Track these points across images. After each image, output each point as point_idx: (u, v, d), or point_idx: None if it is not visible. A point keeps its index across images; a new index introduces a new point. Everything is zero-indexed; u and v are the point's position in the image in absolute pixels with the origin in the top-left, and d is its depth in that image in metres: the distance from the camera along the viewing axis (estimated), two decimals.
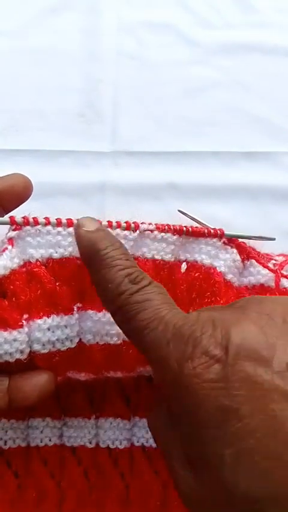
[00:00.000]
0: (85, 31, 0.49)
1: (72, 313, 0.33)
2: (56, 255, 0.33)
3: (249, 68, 0.50)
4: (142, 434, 0.40)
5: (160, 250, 0.33)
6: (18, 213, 0.45)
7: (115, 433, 0.40)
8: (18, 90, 0.48)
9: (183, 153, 0.48)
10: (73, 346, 0.33)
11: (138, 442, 0.40)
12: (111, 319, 0.29)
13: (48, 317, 0.32)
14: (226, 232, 0.35)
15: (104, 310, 0.33)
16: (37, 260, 0.32)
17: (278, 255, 0.42)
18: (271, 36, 0.50)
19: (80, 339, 0.33)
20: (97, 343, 0.33)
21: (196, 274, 0.35)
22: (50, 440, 0.39)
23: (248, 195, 0.47)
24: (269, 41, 0.50)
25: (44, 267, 0.33)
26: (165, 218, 0.46)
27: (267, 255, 0.38)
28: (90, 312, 0.33)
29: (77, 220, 0.31)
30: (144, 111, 0.48)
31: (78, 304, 0.33)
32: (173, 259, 0.34)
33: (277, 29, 0.50)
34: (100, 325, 0.33)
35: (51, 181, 0.46)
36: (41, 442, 0.39)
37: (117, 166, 0.47)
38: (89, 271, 0.30)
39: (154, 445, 0.40)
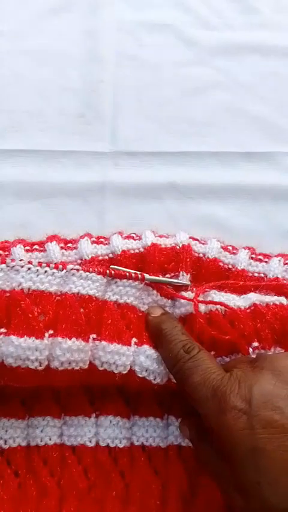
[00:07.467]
0: (85, 32, 0.50)
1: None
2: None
3: (248, 69, 0.50)
4: (142, 434, 0.40)
5: (85, 286, 0.37)
6: (17, 214, 0.45)
7: (115, 431, 0.40)
8: (18, 90, 0.48)
9: (183, 153, 0.48)
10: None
11: (138, 441, 0.40)
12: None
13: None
14: (147, 276, 0.39)
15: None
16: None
17: (277, 255, 0.42)
18: (271, 36, 0.50)
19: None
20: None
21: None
22: (50, 439, 0.40)
23: (247, 195, 0.47)
24: (268, 42, 0.50)
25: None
26: (165, 218, 0.47)
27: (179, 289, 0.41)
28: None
29: (147, 308, 0.40)
30: (144, 112, 0.48)
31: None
32: (100, 295, 0.38)
33: (277, 30, 0.50)
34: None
35: (51, 181, 0.46)
36: (41, 441, 0.39)
37: (117, 166, 0.47)
38: (156, 346, 0.38)
39: (154, 444, 0.40)
